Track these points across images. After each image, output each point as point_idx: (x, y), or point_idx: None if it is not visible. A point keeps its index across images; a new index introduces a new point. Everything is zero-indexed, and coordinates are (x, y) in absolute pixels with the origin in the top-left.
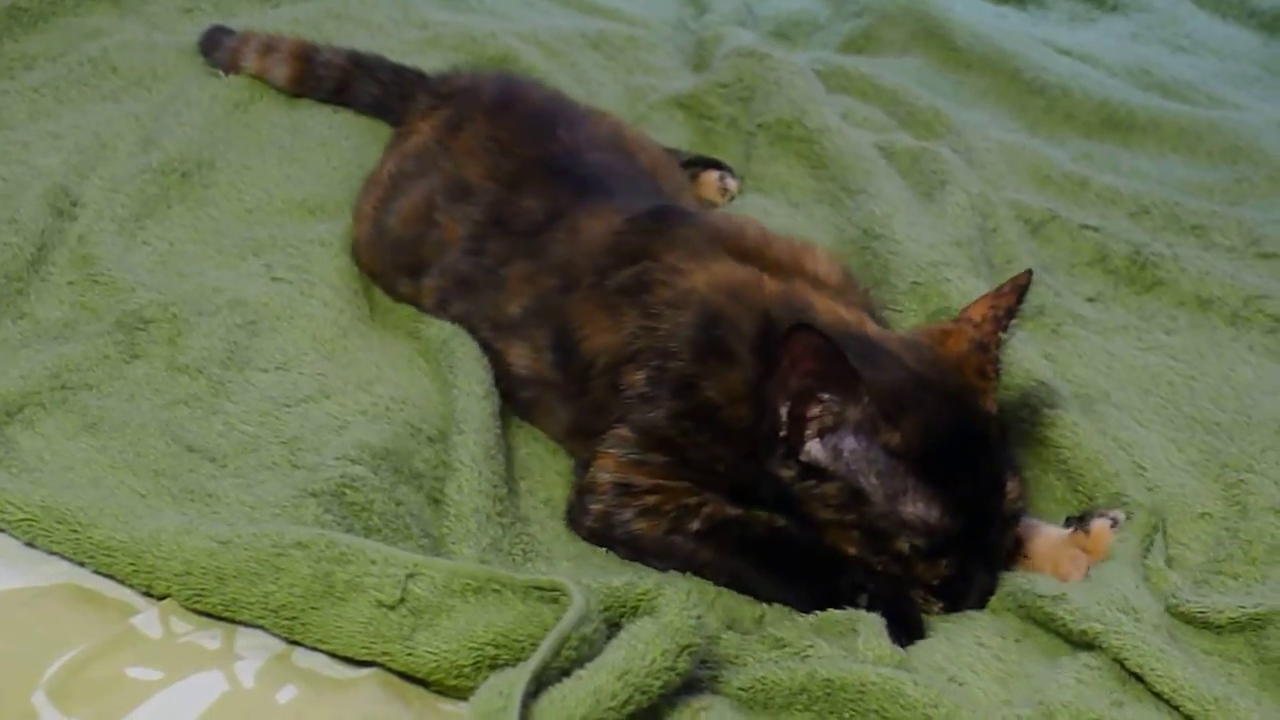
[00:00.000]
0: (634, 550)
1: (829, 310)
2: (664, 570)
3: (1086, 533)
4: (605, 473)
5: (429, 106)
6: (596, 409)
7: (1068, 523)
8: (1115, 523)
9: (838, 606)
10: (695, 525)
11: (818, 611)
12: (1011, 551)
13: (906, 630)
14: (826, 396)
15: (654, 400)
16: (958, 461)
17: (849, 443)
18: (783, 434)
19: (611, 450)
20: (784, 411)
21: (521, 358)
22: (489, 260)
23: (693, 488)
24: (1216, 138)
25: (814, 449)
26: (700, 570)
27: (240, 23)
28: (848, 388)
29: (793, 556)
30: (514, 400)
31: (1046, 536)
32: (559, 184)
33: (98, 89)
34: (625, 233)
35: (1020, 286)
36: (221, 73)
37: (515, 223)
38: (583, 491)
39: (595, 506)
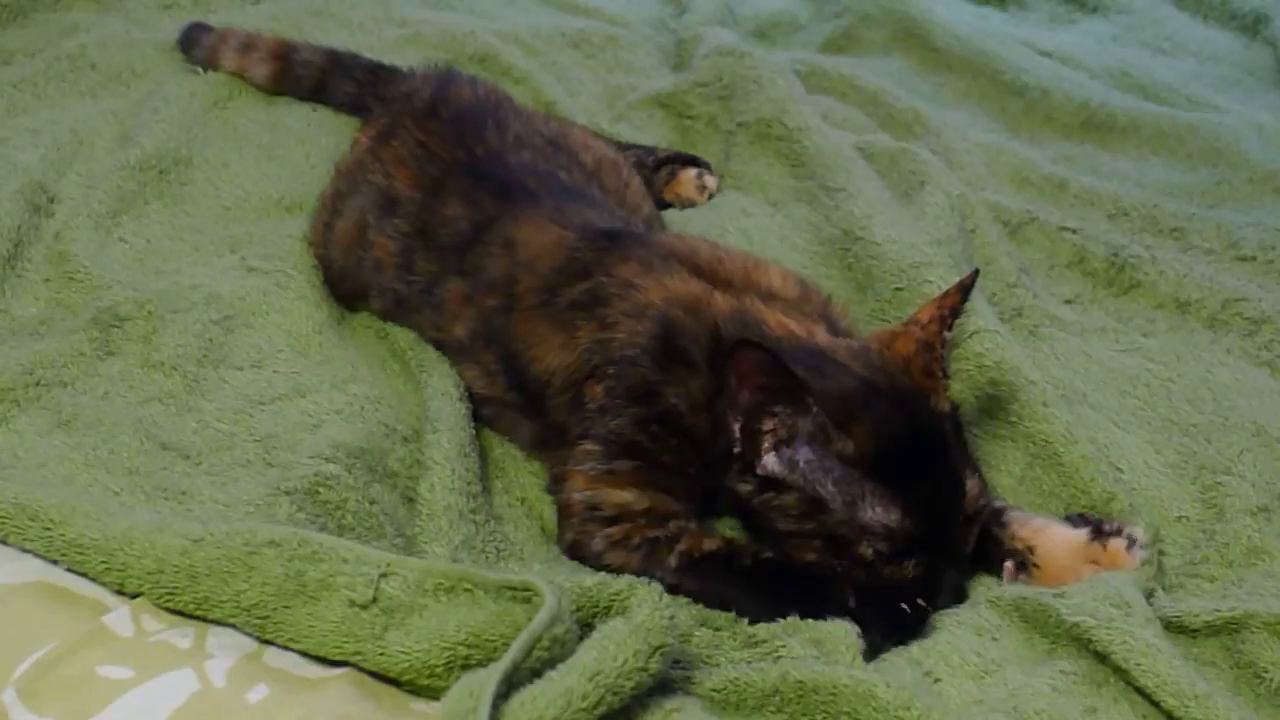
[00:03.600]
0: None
1: (779, 324)
2: None
3: (1104, 548)
4: (576, 491)
5: (373, 115)
6: (559, 427)
7: (1073, 521)
8: (1133, 542)
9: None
10: (672, 561)
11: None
12: (1023, 560)
13: (908, 628)
14: (777, 410)
15: (615, 410)
16: (913, 463)
17: (804, 453)
18: (737, 450)
19: (579, 467)
20: (737, 428)
21: (476, 380)
22: (420, 279)
23: (659, 513)
24: (1196, 140)
25: (770, 462)
26: (687, 597)
27: (220, 20)
28: (796, 400)
29: (781, 581)
30: (477, 414)
31: (1053, 536)
32: (480, 189)
33: (76, 85)
34: (577, 250)
35: (965, 286)
36: (200, 70)
37: (440, 235)
38: (559, 513)
39: (569, 535)
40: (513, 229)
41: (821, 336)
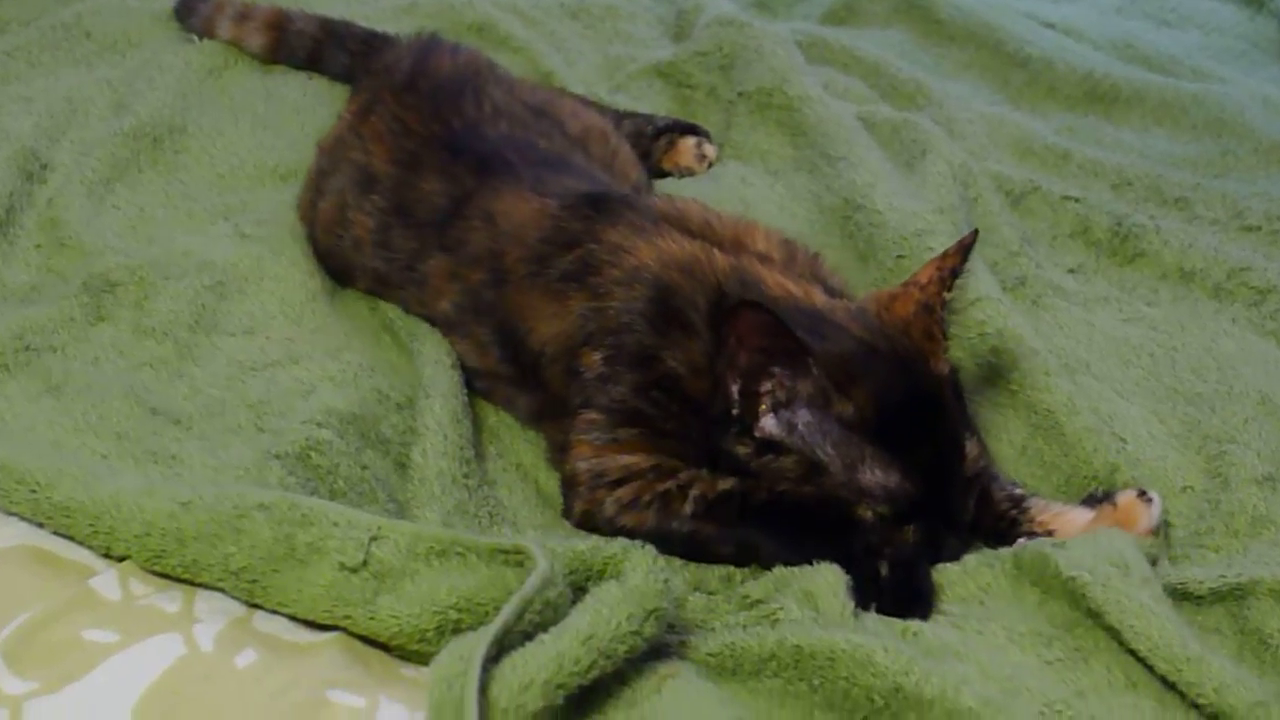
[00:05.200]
0: (630, 539)
1: (777, 284)
2: (665, 554)
3: (1114, 506)
4: (581, 460)
5: (356, 88)
6: (556, 396)
7: (1088, 502)
8: (1144, 494)
9: (854, 570)
10: (687, 509)
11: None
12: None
13: (914, 605)
14: (777, 371)
15: (614, 377)
16: (912, 426)
17: (802, 415)
18: (736, 411)
19: (583, 436)
20: (735, 389)
21: (468, 353)
22: (400, 256)
23: (667, 469)
24: (1201, 111)
25: (769, 424)
26: (703, 546)
27: None
28: (797, 361)
29: (802, 520)
30: (470, 386)
31: (1073, 520)
32: (457, 162)
33: (70, 54)
34: (561, 218)
35: (965, 247)
36: (196, 38)
37: (418, 210)
38: (565, 485)
39: (577, 504)
40: (492, 201)
41: (819, 298)
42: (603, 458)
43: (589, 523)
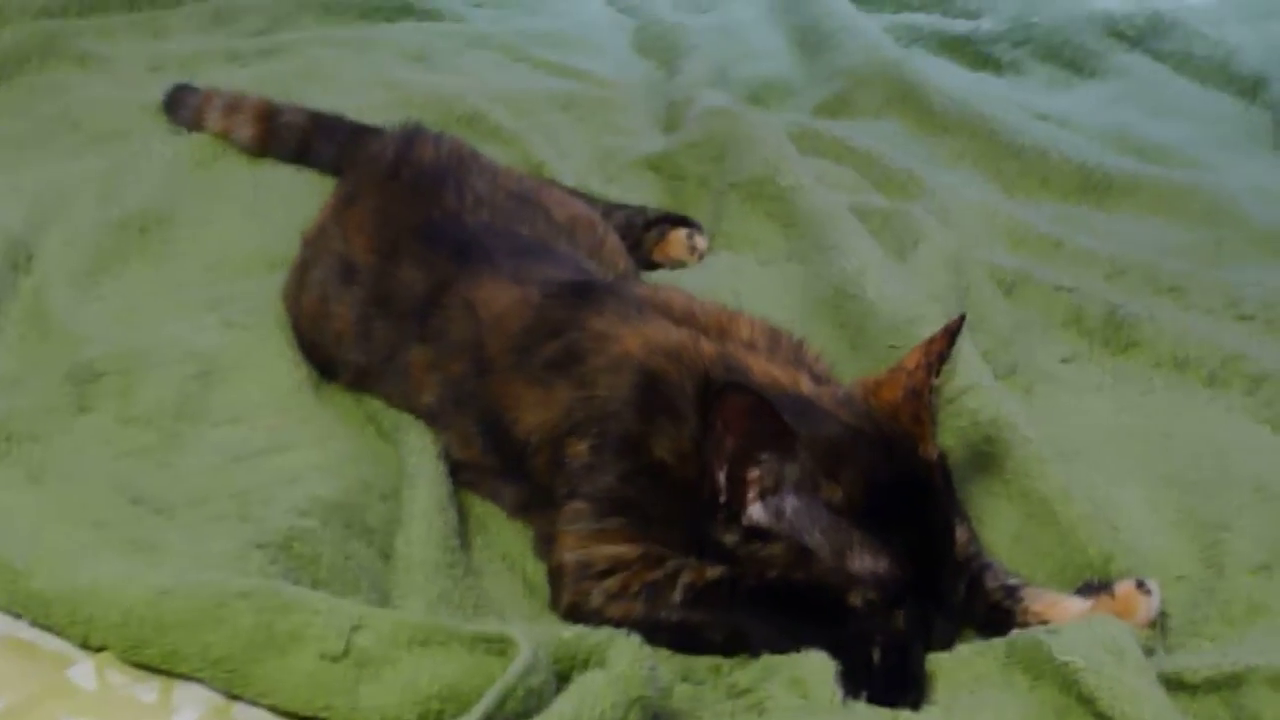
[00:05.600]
0: (619, 629)
1: (763, 371)
2: (654, 644)
3: (1112, 596)
4: (567, 552)
5: (341, 179)
6: (541, 487)
7: (1084, 592)
8: (1143, 585)
9: (845, 656)
10: (676, 597)
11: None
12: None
13: (905, 692)
14: (764, 457)
15: (601, 467)
16: (901, 511)
17: (790, 501)
18: (723, 499)
19: (568, 527)
20: (722, 476)
21: (452, 445)
22: (380, 348)
23: (654, 557)
24: (1195, 201)
25: (755, 511)
26: (693, 634)
27: (208, 81)
28: (784, 446)
29: (793, 606)
30: (455, 478)
31: (1068, 610)
32: (434, 251)
33: (60, 145)
34: (544, 307)
35: (951, 331)
36: (185, 130)
37: (397, 300)
38: (552, 577)
39: (564, 596)
40: (471, 290)
41: (806, 384)
42: (589, 548)
43: (576, 614)
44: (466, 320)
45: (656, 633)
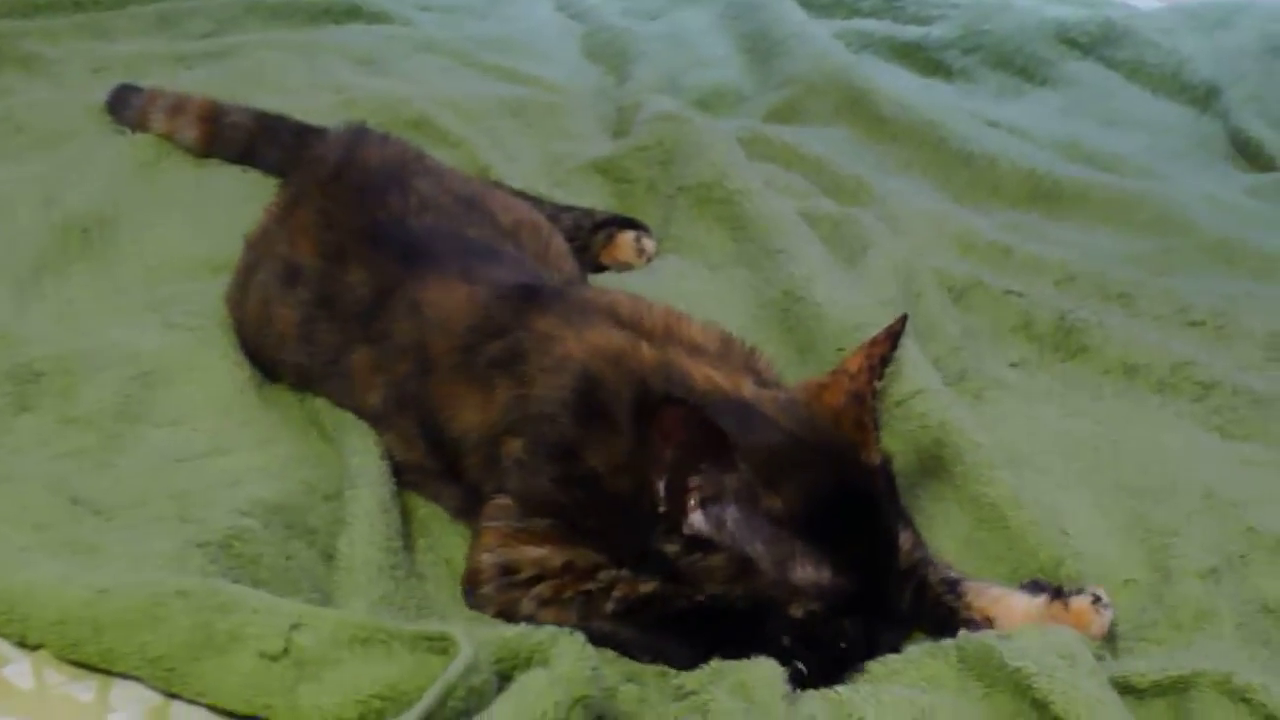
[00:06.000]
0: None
1: (704, 377)
2: None
3: (1066, 608)
4: (486, 552)
5: (285, 181)
6: (475, 488)
7: (1029, 589)
8: (1099, 600)
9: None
10: (609, 607)
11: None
12: (980, 628)
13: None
14: (703, 467)
15: (533, 468)
16: (844, 519)
17: (731, 512)
18: (663, 509)
19: (491, 524)
20: (661, 486)
21: (395, 447)
22: (323, 350)
23: (583, 567)
24: (1145, 209)
25: (697, 520)
26: (621, 648)
27: (153, 83)
28: (722, 457)
29: (721, 627)
30: (399, 479)
31: (1012, 606)
32: (381, 254)
33: (3, 147)
34: (491, 307)
35: (894, 333)
36: (129, 131)
37: (343, 302)
38: (468, 582)
39: (489, 608)
40: (418, 291)
41: (748, 389)
42: (510, 549)
43: (503, 613)
44: (412, 321)
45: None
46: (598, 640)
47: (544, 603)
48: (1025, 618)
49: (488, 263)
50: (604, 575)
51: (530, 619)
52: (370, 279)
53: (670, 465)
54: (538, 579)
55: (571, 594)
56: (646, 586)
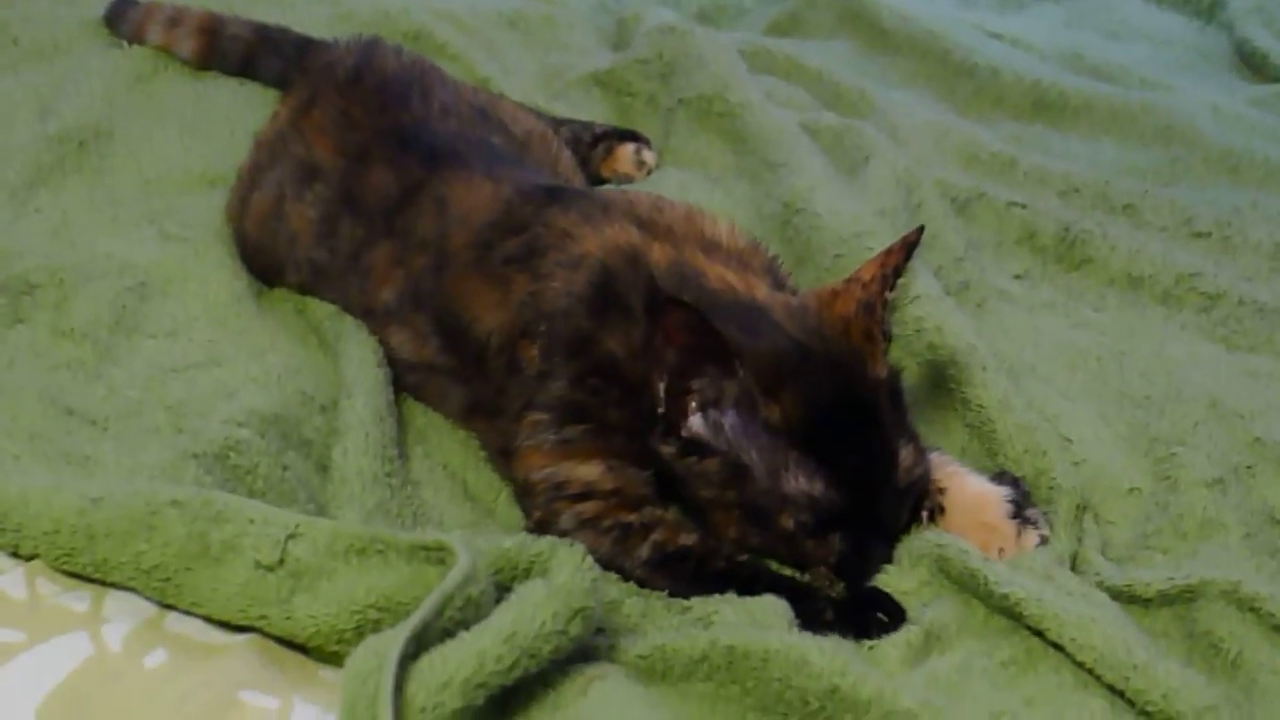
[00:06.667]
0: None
1: (718, 276)
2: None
3: (1018, 535)
4: (535, 471)
5: (294, 85)
6: (496, 389)
7: (997, 479)
8: (1044, 540)
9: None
10: (644, 553)
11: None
12: (931, 502)
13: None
14: (704, 370)
15: (552, 372)
16: (842, 432)
17: (729, 418)
18: (661, 410)
19: (531, 442)
20: (661, 387)
21: (404, 344)
22: (344, 245)
23: (630, 498)
24: (1150, 120)
25: (695, 424)
26: (652, 589)
27: None
28: (723, 362)
29: (754, 590)
30: (400, 382)
31: (970, 491)
32: (407, 154)
33: None
34: (514, 203)
35: (909, 244)
36: (126, 44)
37: (367, 200)
38: (520, 494)
39: (535, 513)
40: (444, 188)
41: (761, 292)
42: (557, 465)
43: (544, 532)
44: (436, 215)
45: (618, 574)
46: (627, 578)
47: (583, 523)
48: (977, 499)
49: (511, 166)
50: (648, 512)
51: (566, 535)
52: (396, 179)
53: (671, 368)
54: (585, 497)
55: (610, 523)
56: (687, 538)
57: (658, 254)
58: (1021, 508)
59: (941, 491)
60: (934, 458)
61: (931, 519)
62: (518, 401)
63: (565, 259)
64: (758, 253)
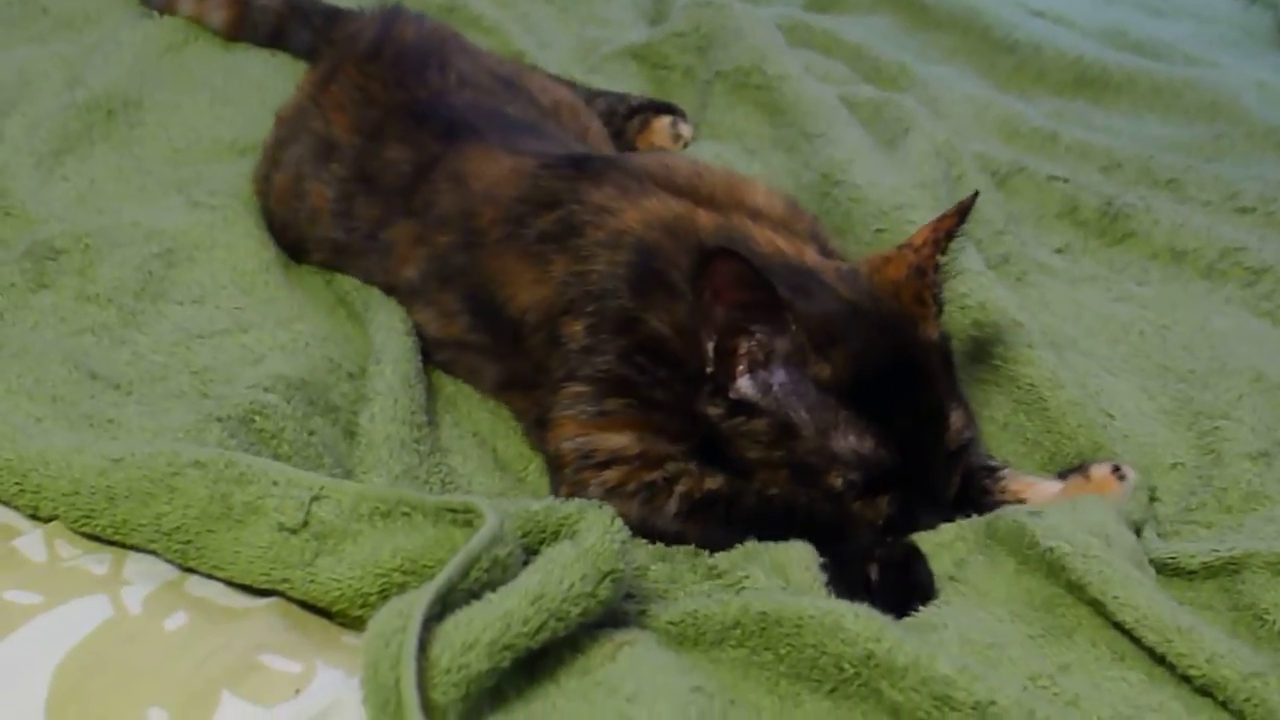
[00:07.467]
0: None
1: (767, 240)
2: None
3: (1086, 478)
4: (566, 440)
5: (318, 58)
6: (535, 365)
7: (1064, 475)
8: (1119, 470)
9: (846, 575)
10: (672, 507)
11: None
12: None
13: (916, 593)
14: (755, 329)
15: (598, 348)
16: (893, 393)
17: (779, 376)
18: (710, 370)
19: (568, 412)
20: (710, 346)
21: (430, 322)
22: (362, 224)
23: (654, 456)
24: (1194, 95)
25: (744, 385)
26: (681, 541)
27: None
28: (775, 318)
29: (790, 525)
30: (429, 358)
31: (1045, 491)
32: (422, 129)
33: (26, 30)
34: (541, 177)
35: (963, 208)
36: (156, 14)
37: (383, 177)
38: (551, 466)
39: (563, 488)
40: (460, 163)
41: (810, 256)
42: (590, 436)
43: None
44: (456, 192)
45: (651, 538)
46: (661, 538)
47: (609, 490)
48: (1046, 497)
49: (529, 137)
50: (671, 467)
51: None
52: (410, 154)
53: (720, 325)
54: (610, 464)
55: (635, 486)
56: (712, 483)
57: (704, 220)
58: (1082, 466)
59: (1023, 502)
60: (1008, 473)
61: None
62: (559, 373)
63: (605, 237)
64: (800, 216)
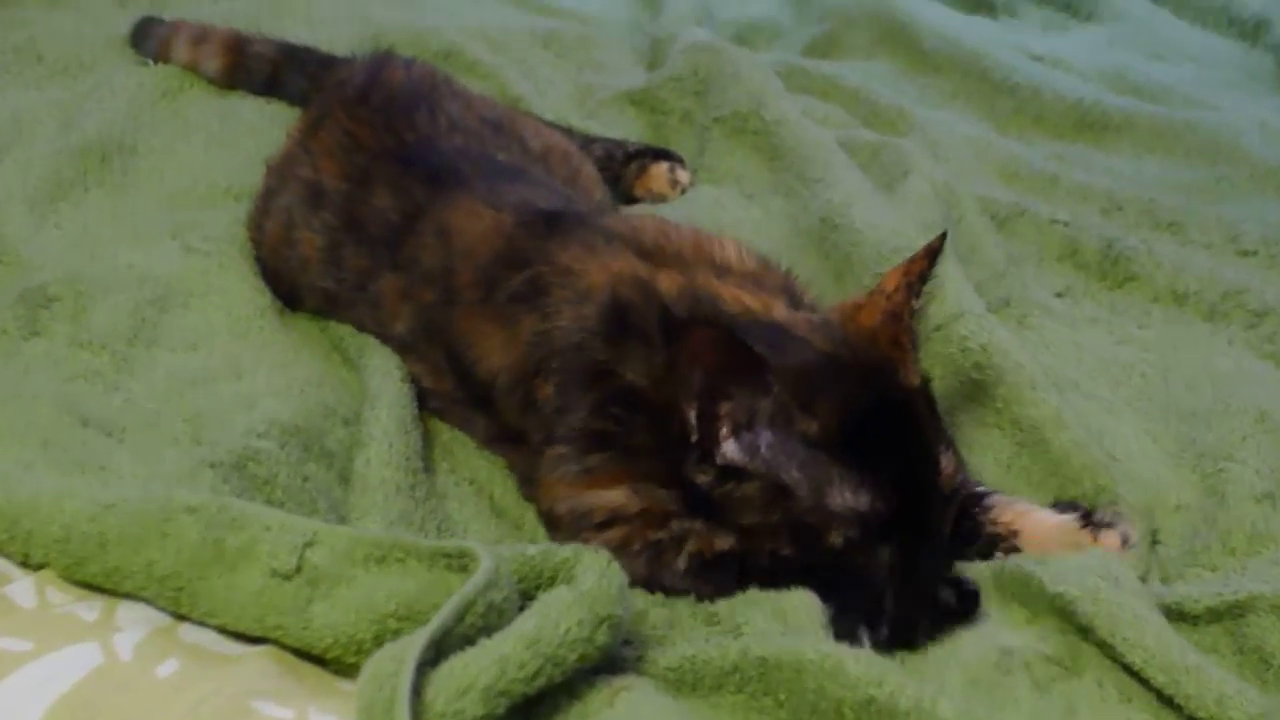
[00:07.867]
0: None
1: (734, 298)
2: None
3: (1094, 538)
4: (559, 503)
5: (309, 105)
6: (514, 422)
7: (1060, 508)
8: (1126, 541)
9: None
10: (680, 564)
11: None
12: (1007, 545)
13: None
14: (735, 391)
15: (569, 406)
16: (882, 441)
17: (765, 437)
18: (694, 438)
19: (553, 475)
20: (692, 414)
21: (423, 375)
22: (350, 275)
23: (656, 514)
24: (1194, 137)
25: (730, 449)
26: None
27: (177, 16)
28: (755, 378)
29: (803, 581)
30: (424, 404)
31: (1039, 521)
32: (408, 175)
33: (20, 76)
34: (515, 236)
35: (932, 251)
36: (151, 63)
37: (370, 226)
38: (547, 526)
39: (561, 538)
40: (445, 215)
41: (780, 311)
42: (581, 496)
43: None
44: (440, 247)
45: (659, 590)
46: (671, 593)
47: (613, 550)
48: (1052, 532)
49: (514, 183)
50: (676, 525)
51: None
52: (398, 203)
53: (700, 392)
54: (610, 524)
55: (640, 545)
56: (722, 543)
57: (666, 282)
58: (1091, 518)
59: (1015, 534)
60: (997, 499)
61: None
62: (537, 436)
63: (572, 295)
64: (771, 272)
